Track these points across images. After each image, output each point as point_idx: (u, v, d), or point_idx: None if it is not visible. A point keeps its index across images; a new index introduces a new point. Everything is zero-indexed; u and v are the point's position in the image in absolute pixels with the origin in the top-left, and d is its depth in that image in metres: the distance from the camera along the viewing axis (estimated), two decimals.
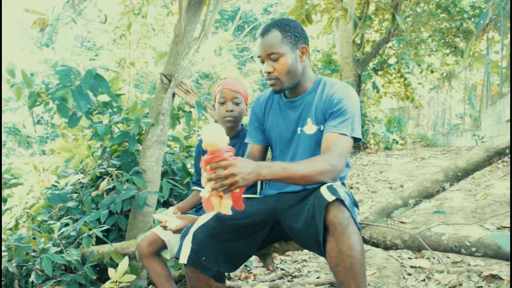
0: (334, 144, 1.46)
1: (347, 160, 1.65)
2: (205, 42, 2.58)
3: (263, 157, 1.73)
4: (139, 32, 9.55)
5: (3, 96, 2.45)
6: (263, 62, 1.56)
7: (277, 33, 1.51)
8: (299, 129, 1.60)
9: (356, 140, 1.53)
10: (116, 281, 1.80)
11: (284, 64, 1.52)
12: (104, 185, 2.49)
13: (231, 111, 1.84)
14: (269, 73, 1.54)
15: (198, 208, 1.99)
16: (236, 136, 1.92)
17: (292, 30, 1.53)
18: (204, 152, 1.81)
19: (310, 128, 1.58)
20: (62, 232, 2.33)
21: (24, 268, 2.22)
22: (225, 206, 1.33)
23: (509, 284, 1.96)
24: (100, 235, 2.15)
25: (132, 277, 1.83)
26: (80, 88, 2.26)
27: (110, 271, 1.80)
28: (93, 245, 2.28)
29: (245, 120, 2.01)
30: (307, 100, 1.60)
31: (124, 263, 1.82)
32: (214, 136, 1.29)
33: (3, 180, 2.56)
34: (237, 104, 1.85)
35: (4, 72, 2.43)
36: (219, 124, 1.92)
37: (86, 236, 2.17)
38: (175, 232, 1.70)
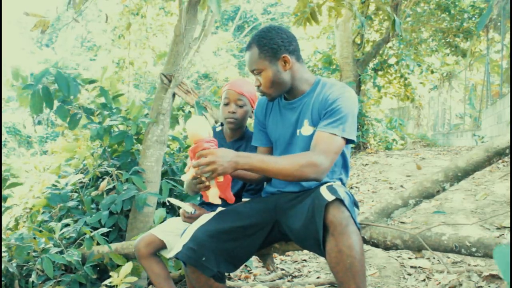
0: (320, 142, 1.45)
1: (347, 164, 1.65)
2: (205, 42, 2.58)
3: None
4: (138, 33, 9.54)
5: (3, 96, 2.45)
6: None
7: (255, 49, 1.54)
8: (298, 131, 1.60)
9: (349, 141, 1.51)
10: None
11: (266, 78, 1.55)
12: (104, 185, 2.49)
13: (234, 112, 1.82)
14: (257, 86, 1.59)
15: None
16: (241, 138, 1.91)
17: (268, 42, 1.52)
18: None
19: (306, 129, 1.58)
20: (63, 233, 2.33)
21: (24, 268, 2.22)
22: (212, 195, 1.43)
23: (509, 284, 1.96)
24: (101, 240, 2.14)
25: (133, 278, 1.83)
26: (45, 89, 2.25)
27: (113, 275, 1.81)
28: (98, 244, 2.28)
29: (250, 121, 2.00)
30: (305, 101, 1.60)
31: (127, 267, 1.82)
32: (196, 128, 1.42)
33: (3, 180, 2.56)
34: (240, 106, 1.83)
35: (4, 72, 2.43)
36: (223, 122, 1.93)
37: (87, 238, 2.17)
38: (185, 220, 1.70)
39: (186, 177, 1.44)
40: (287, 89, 1.59)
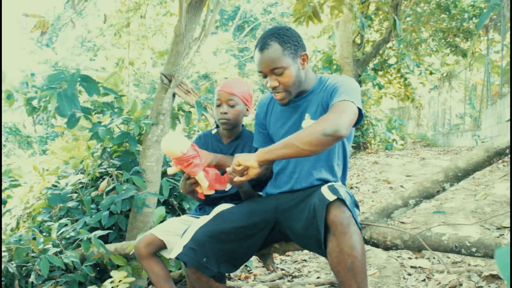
0: (333, 107, 1.39)
1: (347, 164, 1.65)
2: (206, 42, 2.58)
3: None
4: (138, 33, 9.52)
5: (3, 96, 2.46)
6: (265, 76, 1.53)
7: (277, 46, 1.47)
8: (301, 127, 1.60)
9: (359, 117, 1.43)
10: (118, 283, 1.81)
11: (289, 76, 1.49)
12: (104, 185, 2.49)
13: (225, 113, 1.83)
14: (274, 87, 1.52)
15: (199, 208, 1.99)
16: (238, 138, 1.91)
17: (291, 40, 1.49)
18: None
19: (307, 122, 1.56)
20: (62, 233, 2.33)
21: (24, 268, 2.22)
22: (203, 188, 1.59)
23: (509, 284, 1.96)
24: (97, 244, 2.13)
25: (131, 279, 1.83)
26: (66, 91, 2.25)
27: (114, 274, 1.81)
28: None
29: (246, 120, 2.00)
30: (308, 99, 1.60)
31: (121, 274, 1.83)
32: (168, 147, 1.50)
33: (3, 184, 2.56)
34: (232, 106, 1.82)
35: (4, 73, 2.43)
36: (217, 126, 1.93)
37: (85, 240, 2.16)
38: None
39: (170, 171, 1.60)
40: (301, 88, 1.57)
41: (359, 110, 1.42)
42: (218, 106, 1.84)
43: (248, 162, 1.37)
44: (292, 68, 1.49)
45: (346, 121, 1.33)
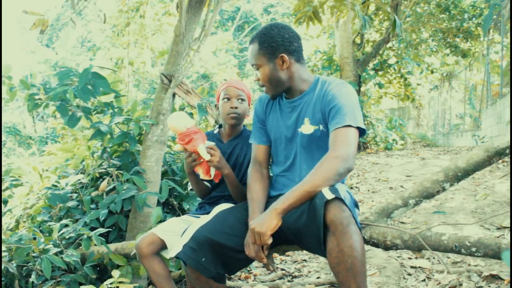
0: (337, 137, 1.45)
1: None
2: (206, 42, 2.58)
3: (268, 156, 1.74)
4: (137, 33, 9.51)
5: (3, 96, 2.46)
6: None
7: (256, 45, 1.58)
8: (298, 130, 1.61)
9: (361, 132, 1.50)
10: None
11: (263, 74, 1.59)
12: (104, 185, 2.49)
13: (236, 107, 1.84)
14: (257, 80, 1.64)
15: (199, 207, 1.99)
16: (238, 136, 1.92)
17: (268, 40, 1.55)
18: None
19: (307, 128, 1.58)
20: (62, 233, 2.33)
21: (24, 268, 2.22)
22: (200, 172, 1.75)
23: (509, 284, 1.96)
24: (98, 240, 2.13)
25: (127, 280, 1.84)
26: (81, 85, 2.29)
27: (115, 274, 1.81)
28: (95, 245, 2.28)
29: (247, 121, 2.01)
30: (306, 100, 1.61)
31: (116, 273, 1.84)
32: (173, 123, 1.70)
33: (3, 184, 2.55)
34: (241, 100, 1.87)
35: (4, 73, 2.43)
36: (222, 120, 1.94)
37: (85, 239, 2.17)
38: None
39: (176, 148, 1.78)
40: (285, 87, 1.61)
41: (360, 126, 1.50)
42: (227, 101, 1.86)
43: (271, 226, 1.36)
44: (266, 67, 1.58)
45: (354, 152, 1.42)
